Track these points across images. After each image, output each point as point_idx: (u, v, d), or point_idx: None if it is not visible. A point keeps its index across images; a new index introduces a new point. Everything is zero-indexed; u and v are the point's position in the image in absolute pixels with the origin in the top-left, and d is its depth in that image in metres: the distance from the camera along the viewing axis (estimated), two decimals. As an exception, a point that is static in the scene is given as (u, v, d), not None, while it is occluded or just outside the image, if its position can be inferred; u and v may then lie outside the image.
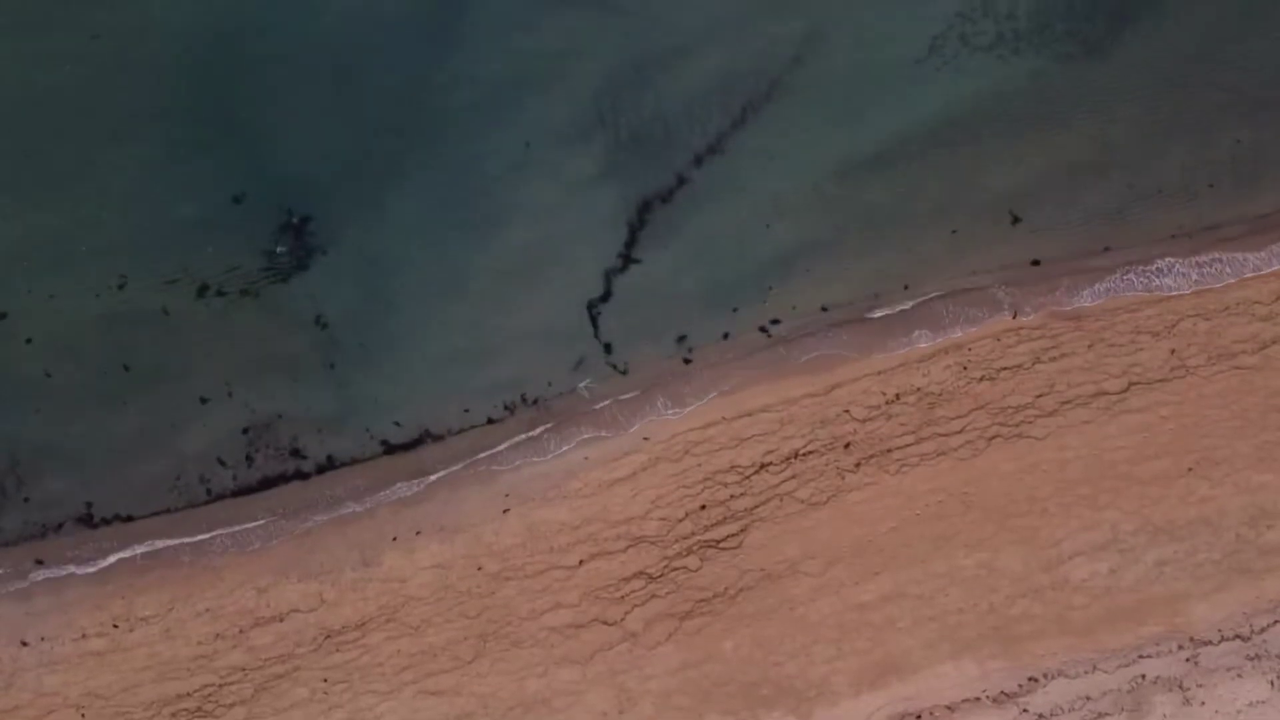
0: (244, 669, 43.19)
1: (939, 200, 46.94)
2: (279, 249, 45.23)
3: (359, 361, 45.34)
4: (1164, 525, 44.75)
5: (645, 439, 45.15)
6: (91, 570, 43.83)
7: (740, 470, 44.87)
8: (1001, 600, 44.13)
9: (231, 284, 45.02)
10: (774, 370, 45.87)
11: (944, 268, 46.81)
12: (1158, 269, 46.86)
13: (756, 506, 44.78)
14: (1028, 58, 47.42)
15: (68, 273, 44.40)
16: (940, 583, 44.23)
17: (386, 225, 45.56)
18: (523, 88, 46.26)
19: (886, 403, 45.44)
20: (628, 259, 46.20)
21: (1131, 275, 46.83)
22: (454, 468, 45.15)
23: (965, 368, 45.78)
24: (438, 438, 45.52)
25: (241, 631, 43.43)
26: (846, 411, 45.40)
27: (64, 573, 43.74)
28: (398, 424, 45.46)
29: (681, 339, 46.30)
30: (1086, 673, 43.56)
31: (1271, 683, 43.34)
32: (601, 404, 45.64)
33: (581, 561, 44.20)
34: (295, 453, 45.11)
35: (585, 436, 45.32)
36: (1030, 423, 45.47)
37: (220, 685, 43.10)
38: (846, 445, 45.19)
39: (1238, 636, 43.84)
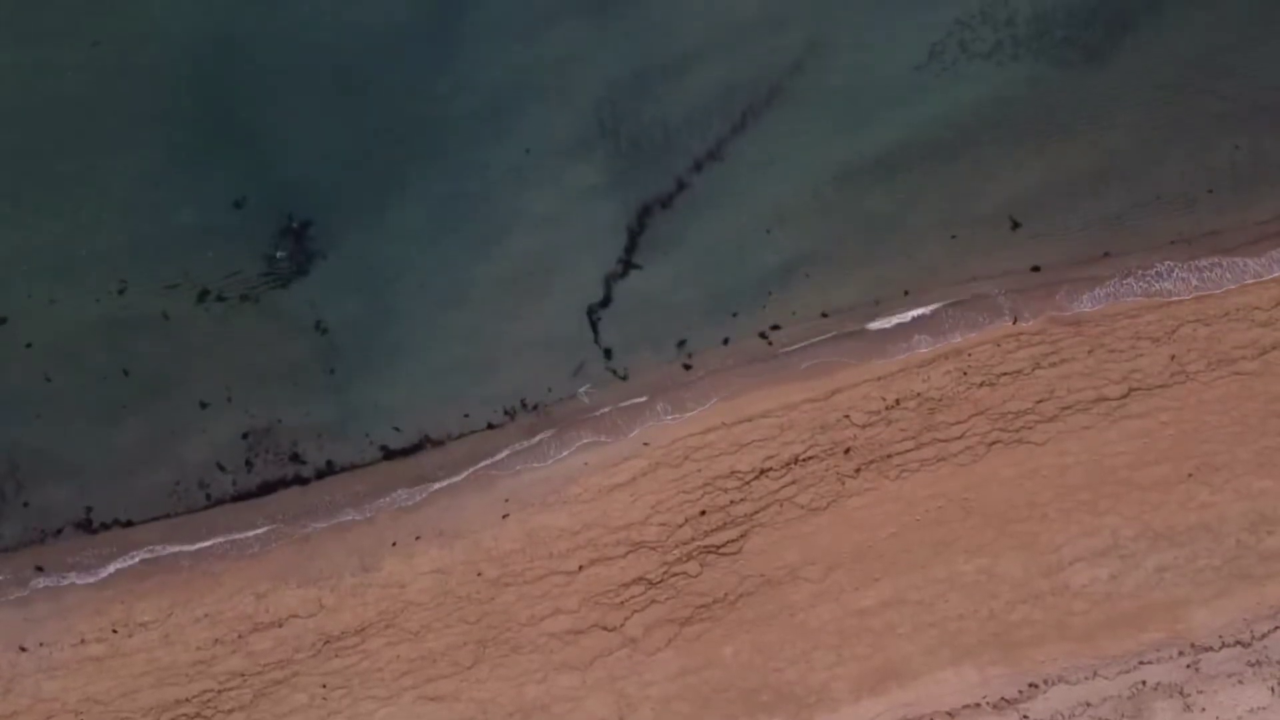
0: (243, 674, 43.11)
1: (939, 206, 47.03)
2: (279, 254, 45.27)
3: (359, 367, 45.37)
4: (1164, 531, 44.72)
5: (645, 444, 45.15)
6: (92, 580, 43.71)
7: (740, 475, 44.84)
8: (1002, 606, 44.08)
9: (232, 289, 45.06)
10: (774, 375, 45.94)
11: (944, 274, 46.88)
12: (1157, 275, 46.93)
13: (756, 512, 44.75)
14: (1027, 64, 47.53)
15: (68, 277, 44.48)
16: (940, 588, 44.19)
17: (387, 230, 45.63)
18: (522, 94, 46.36)
19: (887, 408, 45.44)
20: (628, 264, 46.26)
21: (1131, 281, 46.90)
22: (456, 478, 45.10)
23: (965, 373, 45.79)
24: (437, 443, 45.53)
25: (240, 637, 43.36)
26: (846, 417, 45.39)
27: (65, 582, 43.67)
28: (397, 429, 45.47)
29: (681, 344, 46.34)
30: (1087, 679, 43.48)
31: (1272, 689, 43.25)
32: (601, 409, 45.68)
33: (581, 567, 44.15)
34: (295, 458, 45.11)
35: (585, 442, 45.35)
36: (1030, 428, 45.47)
37: (219, 691, 43.02)
38: (847, 450, 45.18)
39: (1238, 643, 43.77)
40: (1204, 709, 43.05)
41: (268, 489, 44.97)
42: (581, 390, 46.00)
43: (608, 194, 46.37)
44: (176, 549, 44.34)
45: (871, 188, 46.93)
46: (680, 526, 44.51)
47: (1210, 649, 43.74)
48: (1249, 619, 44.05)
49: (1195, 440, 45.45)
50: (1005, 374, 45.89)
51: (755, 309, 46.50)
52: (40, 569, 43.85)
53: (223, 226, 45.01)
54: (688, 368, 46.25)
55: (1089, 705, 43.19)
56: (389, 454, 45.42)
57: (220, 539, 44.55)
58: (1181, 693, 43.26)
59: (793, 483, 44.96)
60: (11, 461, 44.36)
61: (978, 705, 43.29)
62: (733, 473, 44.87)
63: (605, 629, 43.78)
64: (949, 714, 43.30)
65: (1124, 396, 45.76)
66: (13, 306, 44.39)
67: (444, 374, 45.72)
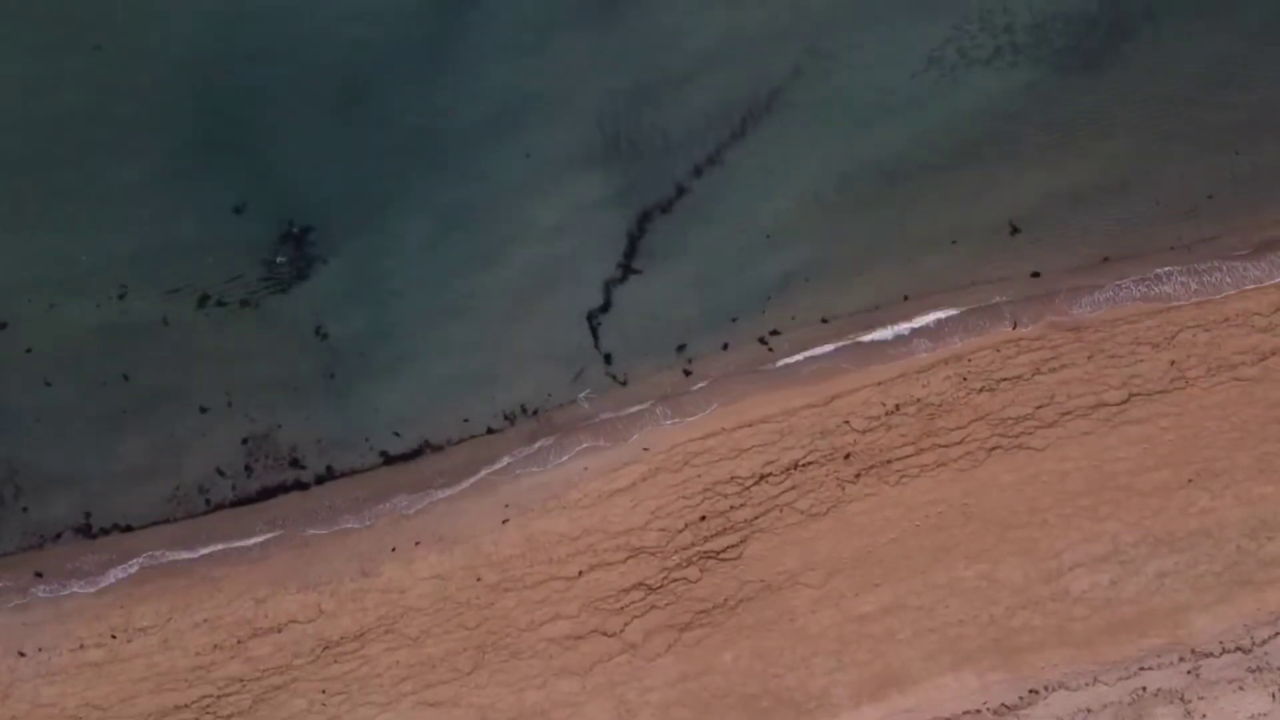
0: (242, 680, 43.01)
1: (939, 211, 47.12)
2: (279, 259, 45.30)
3: (358, 372, 45.36)
4: (1164, 537, 44.69)
5: (645, 449, 45.13)
6: (92, 590, 43.65)
7: (740, 481, 44.82)
8: (1002, 612, 44.03)
9: (232, 294, 45.07)
10: (773, 381, 45.96)
11: (944, 279, 46.91)
12: (1157, 280, 47.03)
13: (756, 517, 44.72)
14: (1026, 71, 47.66)
15: (68, 283, 44.48)
16: (940, 594, 44.14)
17: (387, 236, 45.68)
18: (522, 101, 46.47)
19: (886, 414, 45.44)
20: (628, 270, 46.30)
21: (1131, 286, 46.98)
22: (456, 488, 45.07)
23: (965, 379, 45.80)
24: (437, 448, 45.52)
25: (240, 642, 43.28)
26: (846, 422, 45.38)
27: (66, 592, 43.57)
28: (397, 434, 45.45)
29: (681, 349, 46.35)
30: (1087, 685, 43.41)
31: (1273, 695, 43.18)
32: (602, 414, 45.67)
33: (581, 572, 44.09)
34: (294, 463, 45.08)
35: (585, 447, 45.34)
36: (1030, 434, 45.47)
37: (218, 696, 42.91)
38: (846, 456, 45.16)
39: (1239, 648, 43.71)
40: (1205, 715, 42.96)
41: (267, 494, 44.91)
42: (582, 395, 46.00)
43: (607, 199, 46.45)
44: (176, 554, 44.26)
45: (871, 193, 47.03)
46: (680, 532, 44.47)
47: (1211, 655, 43.68)
48: (1249, 625, 44.01)
49: (1195, 446, 45.45)
50: (1005, 379, 45.90)
51: (755, 314, 46.55)
52: (40, 575, 43.77)
53: (223, 232, 45.06)
54: (688, 373, 46.27)
55: (1089, 711, 43.11)
56: (389, 459, 45.40)
57: (219, 544, 44.45)
58: (1182, 699, 43.17)
59: (793, 488, 44.94)
60: (11, 467, 44.31)
61: (978, 711, 43.20)
62: (733, 478, 44.85)
63: (605, 634, 43.71)
64: (949, 720, 43.37)
65: (1124, 402, 45.76)
66: (13, 312, 44.38)
67: (444, 379, 45.73)
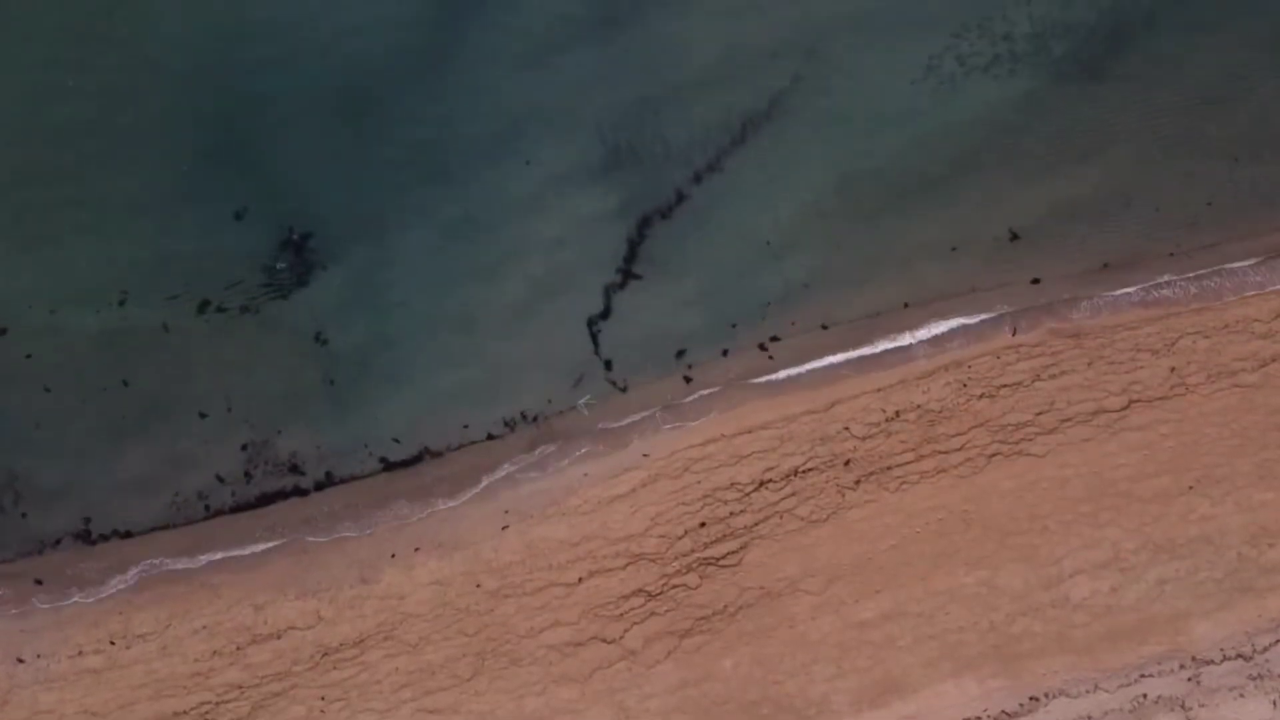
0: (241, 687, 42.92)
1: (938, 218, 47.11)
2: (279, 265, 45.33)
3: (358, 378, 45.34)
4: (1165, 543, 44.64)
5: (645, 455, 45.10)
6: (91, 601, 43.58)
7: (740, 487, 44.78)
8: (1002, 618, 43.96)
9: (232, 300, 45.07)
10: (773, 387, 45.94)
11: (944, 285, 46.93)
12: (1157, 287, 47.03)
13: (756, 524, 44.68)
14: (1025, 78, 47.69)
15: (68, 288, 44.42)
16: (941, 601, 44.07)
17: (386, 241, 45.68)
18: (523, 109, 46.48)
19: (886, 420, 45.42)
20: (628, 275, 46.32)
21: (1131, 293, 46.97)
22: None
23: (965, 385, 45.79)
24: (436, 454, 45.48)
25: (239, 649, 43.20)
26: (846, 429, 45.36)
27: (69, 602, 43.50)
28: (397, 441, 45.42)
29: (681, 355, 46.35)
30: (1088, 692, 43.33)
31: (1275, 702, 43.09)
32: (601, 420, 45.61)
33: (580, 579, 44.04)
34: (294, 469, 45.05)
35: (585, 453, 45.28)
36: (1030, 440, 45.45)
37: (217, 703, 42.82)
38: (846, 462, 45.13)
39: (1240, 656, 43.63)
40: (1206, 722, 43.01)
41: (267, 500, 44.84)
42: (581, 402, 46.00)
43: (607, 206, 46.44)
44: (175, 562, 44.20)
45: (871, 200, 47.03)
46: (680, 538, 44.42)
47: (1211, 662, 43.61)
48: (1250, 632, 43.92)
49: (1196, 453, 45.42)
50: (1005, 386, 45.89)
51: (754, 320, 46.53)
52: (40, 583, 43.70)
53: (223, 237, 45.01)
54: (688, 380, 46.26)
55: (1090, 718, 43.02)
56: (388, 465, 45.37)
57: (219, 551, 44.38)
58: (1183, 706, 43.10)
59: (793, 495, 44.90)
60: (10, 473, 44.24)
61: (978, 718, 43.12)
62: (732, 484, 44.81)
63: (604, 641, 43.65)
64: (949, 727, 43.29)
65: (1124, 409, 45.75)
66: (12, 317, 44.33)
67: (443, 385, 45.66)
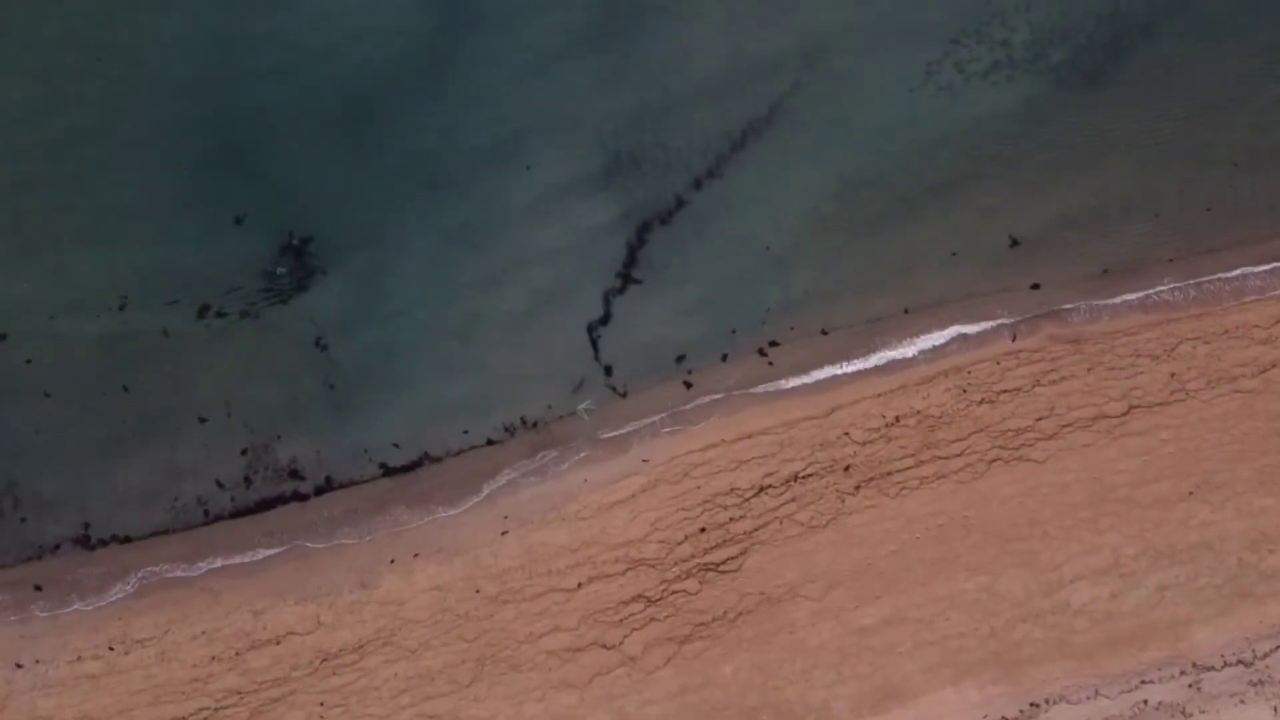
0: (240, 692, 42.85)
1: (937, 223, 47.16)
2: (279, 270, 45.35)
3: (359, 383, 45.35)
4: (1165, 549, 44.60)
5: (644, 461, 45.07)
6: (90, 607, 43.52)
7: (740, 493, 44.74)
8: (1003, 624, 43.91)
9: (232, 305, 45.09)
10: (773, 392, 45.90)
11: (943, 291, 46.92)
12: (1157, 292, 47.04)
13: (756, 529, 44.63)
14: (1024, 85, 47.80)
15: (68, 293, 44.48)
16: (941, 606, 44.03)
17: (386, 247, 45.73)
18: (522, 112, 46.54)
19: (886, 425, 45.39)
20: (627, 280, 46.33)
21: (1130, 298, 46.99)
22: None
23: (965, 390, 45.78)
24: (436, 460, 45.44)
25: (238, 654, 43.13)
26: (846, 434, 45.34)
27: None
28: (396, 446, 45.39)
29: (680, 360, 46.33)
30: (1088, 698, 43.27)
31: (1275, 709, 43.03)
32: (601, 426, 45.56)
33: (580, 584, 43.98)
34: (293, 474, 45.02)
35: (584, 458, 45.24)
36: (1030, 446, 45.43)
37: (216, 709, 42.74)
38: (846, 468, 45.10)
39: (1240, 662, 43.57)
40: (1206, 728, 42.94)
41: (266, 505, 44.84)
42: (581, 407, 45.97)
43: (607, 210, 46.52)
44: (174, 566, 44.15)
45: (870, 205, 47.09)
46: (680, 544, 44.38)
47: (1212, 668, 43.55)
48: (1251, 638, 43.90)
49: (1196, 458, 45.41)
50: (1005, 391, 45.87)
51: (754, 326, 46.57)
52: (39, 588, 43.63)
53: (223, 242, 45.12)
54: (688, 385, 46.24)
55: (1091, 724, 43.08)
56: (388, 471, 45.33)
57: (218, 556, 44.32)
58: (1184, 712, 43.02)
59: (792, 500, 44.87)
60: (10, 478, 44.24)
61: (979, 724, 43.20)
62: (732, 490, 44.77)
63: (604, 647, 43.58)
64: (950, 733, 43.22)
65: (1124, 414, 45.73)
66: (12, 323, 44.39)
67: (443, 391, 45.69)
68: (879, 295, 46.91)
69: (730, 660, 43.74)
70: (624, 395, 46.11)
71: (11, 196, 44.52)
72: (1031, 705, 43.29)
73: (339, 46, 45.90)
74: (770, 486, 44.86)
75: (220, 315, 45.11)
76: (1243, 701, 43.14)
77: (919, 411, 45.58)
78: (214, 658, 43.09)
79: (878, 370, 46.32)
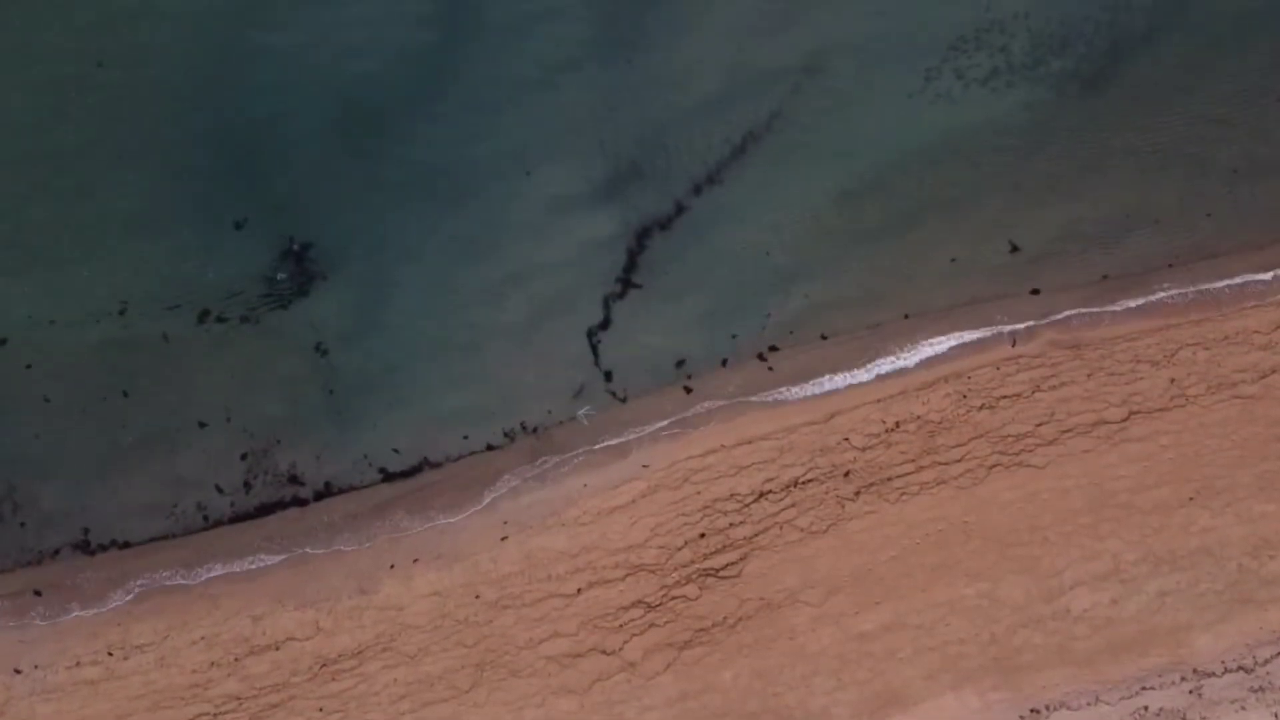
0: (239, 698, 42.79)
1: (938, 229, 47.21)
2: (280, 275, 45.35)
3: (358, 388, 45.34)
4: (1166, 555, 44.59)
5: (644, 466, 45.06)
6: (90, 613, 43.49)
7: (740, 498, 44.73)
8: (1003, 630, 43.88)
9: (232, 310, 45.10)
10: (773, 397, 45.90)
11: (943, 296, 46.96)
12: (1156, 298, 47.07)
13: (756, 535, 44.61)
14: (1023, 90, 47.85)
15: (68, 298, 44.45)
16: (941, 612, 44.00)
17: (386, 252, 45.73)
18: (524, 121, 46.56)
19: (886, 431, 45.39)
20: (627, 285, 46.36)
21: (1130, 304, 47.01)
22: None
23: (965, 396, 45.79)
24: (436, 465, 45.43)
25: (237, 660, 43.08)
26: (846, 439, 45.33)
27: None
28: (397, 451, 45.38)
29: (680, 365, 46.33)
30: (1089, 704, 43.23)
31: (1276, 715, 43.00)
32: (601, 431, 45.56)
33: (580, 590, 43.94)
34: (293, 479, 45.00)
35: (584, 463, 45.21)
36: (1031, 451, 45.43)
37: (215, 715, 42.70)
38: (846, 473, 45.09)
39: (1241, 668, 43.53)
40: (1207, 735, 42.86)
41: (266, 510, 44.82)
42: (581, 412, 45.97)
43: (608, 217, 46.54)
44: (173, 571, 44.11)
45: (870, 210, 47.14)
46: (679, 549, 44.35)
47: (1213, 674, 43.51)
48: (1251, 644, 43.88)
49: (1196, 464, 45.41)
50: (1005, 397, 45.88)
51: (754, 331, 46.60)
52: (39, 594, 43.58)
53: (224, 247, 45.11)
54: (688, 390, 46.24)
55: (1091, 730, 43.04)
56: (388, 476, 45.31)
57: (217, 561, 44.29)
58: (1184, 718, 42.96)
59: (792, 505, 44.85)
60: (9, 483, 44.22)
61: (979, 731, 43.14)
62: (732, 495, 44.76)
63: (604, 652, 43.53)
64: (950, 739, 43.15)
65: (1124, 420, 45.74)
66: (13, 327, 44.36)
67: (443, 396, 45.67)
68: (879, 301, 46.94)
69: (730, 666, 43.70)
70: (624, 401, 46.12)
71: (13, 202, 44.49)
72: (1032, 711, 43.23)
73: (341, 57, 45.90)
74: (770, 492, 44.85)
75: (220, 320, 45.12)
76: (1244, 708, 43.09)
77: (919, 417, 45.59)
78: (213, 663, 43.04)
79: (878, 376, 46.34)
